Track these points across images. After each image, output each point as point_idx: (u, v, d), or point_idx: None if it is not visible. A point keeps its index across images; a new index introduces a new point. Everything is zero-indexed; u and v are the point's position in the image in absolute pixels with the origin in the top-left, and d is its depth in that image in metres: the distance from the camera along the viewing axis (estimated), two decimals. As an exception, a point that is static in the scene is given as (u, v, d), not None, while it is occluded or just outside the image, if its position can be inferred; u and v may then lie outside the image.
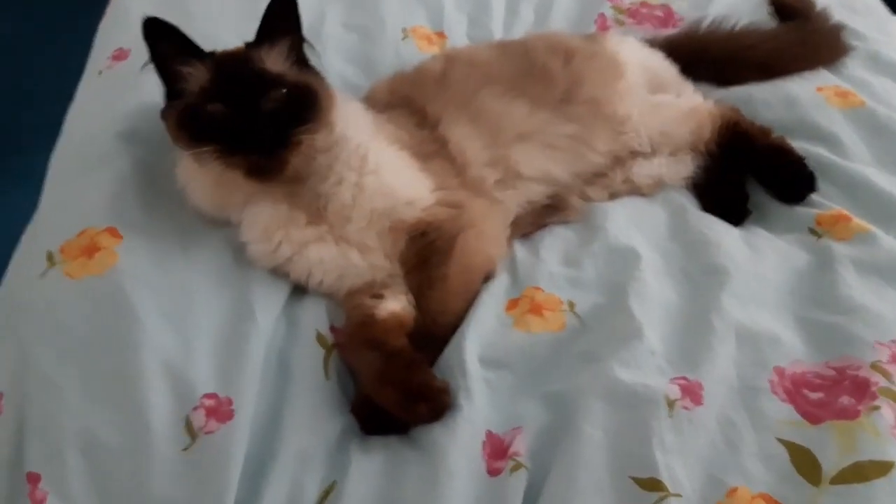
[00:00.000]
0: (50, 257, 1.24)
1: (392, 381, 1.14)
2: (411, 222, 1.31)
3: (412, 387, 1.14)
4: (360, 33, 1.82)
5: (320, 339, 1.23)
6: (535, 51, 1.57)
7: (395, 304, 1.27)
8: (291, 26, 1.31)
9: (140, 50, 1.60)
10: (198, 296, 1.22)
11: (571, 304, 1.29)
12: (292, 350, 1.21)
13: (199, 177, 1.28)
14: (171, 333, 1.16)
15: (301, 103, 1.26)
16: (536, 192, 1.46)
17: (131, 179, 1.35)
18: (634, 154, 1.54)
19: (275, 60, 1.28)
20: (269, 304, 1.24)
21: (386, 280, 1.31)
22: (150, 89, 1.52)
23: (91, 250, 1.23)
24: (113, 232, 1.26)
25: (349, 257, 1.29)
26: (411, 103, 1.47)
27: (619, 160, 1.53)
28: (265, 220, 1.28)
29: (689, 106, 1.60)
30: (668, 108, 1.58)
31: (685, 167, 1.56)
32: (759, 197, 1.54)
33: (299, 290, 1.30)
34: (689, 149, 1.56)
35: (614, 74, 1.56)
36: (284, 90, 1.25)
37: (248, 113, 1.22)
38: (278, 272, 1.30)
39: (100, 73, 1.62)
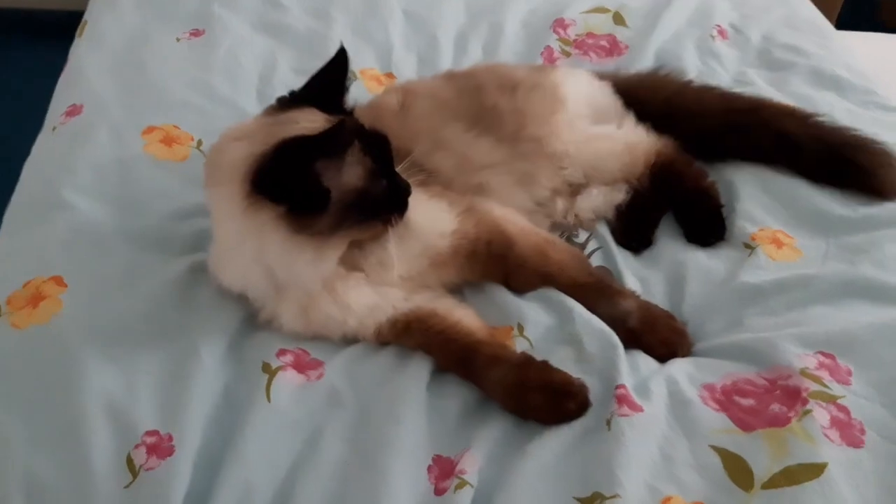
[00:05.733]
0: (-3, 309, 1.28)
1: (533, 387, 1.20)
2: (449, 252, 1.36)
3: (556, 386, 1.20)
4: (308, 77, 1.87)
5: (265, 367, 1.24)
6: (486, 91, 1.61)
7: (472, 319, 1.33)
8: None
9: (93, 104, 1.68)
10: (142, 338, 1.25)
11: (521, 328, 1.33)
12: (238, 384, 1.23)
13: (308, 256, 1.24)
14: (115, 375, 1.19)
15: None
16: None
17: (79, 231, 1.39)
18: (573, 186, 1.58)
19: None
20: (213, 343, 1.26)
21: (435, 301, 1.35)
22: (100, 144, 1.59)
23: (36, 300, 1.27)
24: (58, 281, 1.30)
25: (387, 296, 1.32)
26: None
27: (558, 192, 1.57)
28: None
29: (625, 141, 1.63)
30: (603, 141, 1.61)
31: (619, 195, 1.60)
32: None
33: (248, 327, 1.33)
34: (621, 181, 1.61)
35: (553, 107, 1.60)
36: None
37: (396, 176, 1.28)
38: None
39: (54, 129, 1.67)
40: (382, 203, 1.25)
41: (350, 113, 1.31)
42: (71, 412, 1.14)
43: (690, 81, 1.79)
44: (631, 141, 1.64)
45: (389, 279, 1.33)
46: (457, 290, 1.42)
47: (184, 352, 1.24)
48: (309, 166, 1.17)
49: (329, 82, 1.32)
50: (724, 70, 2.00)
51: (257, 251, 1.22)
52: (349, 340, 1.33)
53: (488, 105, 1.58)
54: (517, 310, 1.35)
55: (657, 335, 1.33)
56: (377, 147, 1.26)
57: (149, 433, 1.13)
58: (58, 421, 1.14)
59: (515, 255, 1.39)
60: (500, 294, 1.39)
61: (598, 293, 1.37)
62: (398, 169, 1.31)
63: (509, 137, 1.55)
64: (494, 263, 1.40)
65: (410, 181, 1.34)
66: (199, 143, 1.64)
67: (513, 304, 1.36)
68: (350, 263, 1.31)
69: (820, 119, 1.64)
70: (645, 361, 1.30)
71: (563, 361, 1.26)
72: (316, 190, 1.18)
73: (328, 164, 1.18)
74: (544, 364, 1.23)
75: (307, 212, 1.19)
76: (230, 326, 1.30)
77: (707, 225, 1.56)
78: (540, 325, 1.33)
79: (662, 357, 1.32)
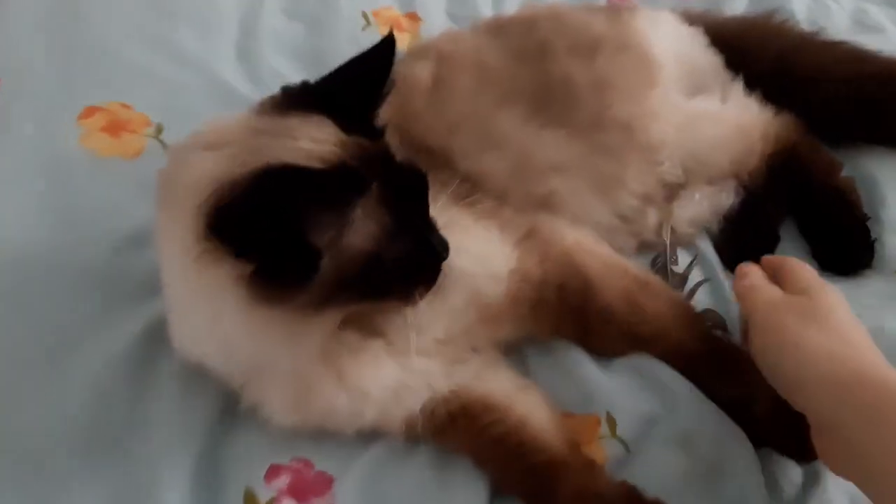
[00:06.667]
0: None
1: None
2: (506, 301, 0.97)
3: None
4: (307, 23, 1.44)
5: (248, 498, 0.88)
6: (553, 54, 1.16)
7: (543, 415, 0.94)
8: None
9: (12, 75, 1.24)
10: (75, 467, 0.87)
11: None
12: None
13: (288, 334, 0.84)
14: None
15: None
16: None
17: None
18: (668, 189, 1.17)
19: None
20: (175, 468, 0.88)
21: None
22: (21, 135, 1.16)
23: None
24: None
25: (419, 372, 0.94)
26: (400, 134, 1.00)
27: (651, 199, 1.15)
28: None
29: (737, 122, 1.21)
30: (709, 125, 1.19)
31: (727, 198, 1.20)
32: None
33: (228, 421, 0.94)
34: (728, 177, 1.20)
35: (647, 79, 1.17)
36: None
37: (430, 232, 0.86)
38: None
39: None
40: (400, 272, 0.83)
41: (380, 134, 0.87)
42: None
43: (813, 34, 1.34)
44: (744, 121, 1.22)
45: (422, 347, 0.94)
46: (515, 348, 1.03)
47: (136, 486, 0.86)
48: (296, 215, 0.75)
49: (360, 83, 0.87)
50: (840, 6, 1.59)
51: (211, 318, 0.81)
52: (367, 433, 0.95)
53: (557, 77, 1.14)
54: (603, 390, 0.98)
55: (793, 431, 0.93)
56: (406, 192, 0.84)
57: None
58: None
59: (597, 306, 0.99)
60: (577, 362, 1.00)
61: (710, 365, 0.98)
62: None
63: (587, 124, 1.12)
64: (569, 317, 1.00)
65: (452, 201, 0.94)
66: (159, 128, 1.21)
67: (596, 381, 0.99)
68: (365, 326, 0.91)
69: None
70: (783, 469, 0.93)
71: (675, 477, 0.90)
72: (301, 252, 0.77)
73: (325, 217, 0.77)
74: None
75: (284, 280, 0.78)
76: (201, 427, 0.92)
77: (846, 245, 1.17)
78: (637, 417, 0.96)
79: (797, 458, 0.95)
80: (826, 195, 1.19)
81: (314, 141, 0.81)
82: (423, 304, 0.89)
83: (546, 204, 1.08)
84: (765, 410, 0.94)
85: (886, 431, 0.73)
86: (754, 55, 1.30)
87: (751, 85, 1.26)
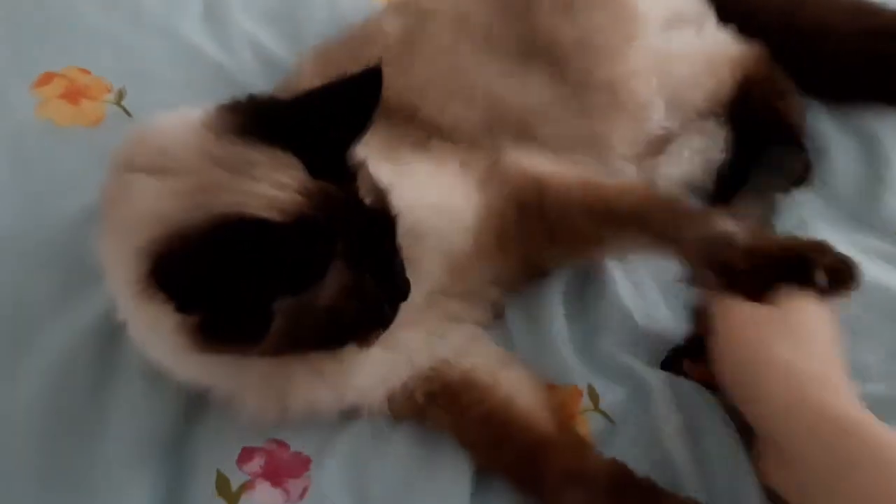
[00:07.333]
0: None
1: None
2: (473, 243, 0.92)
3: None
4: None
5: (221, 483, 0.84)
6: (538, 10, 1.09)
7: (527, 391, 0.90)
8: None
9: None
10: (35, 449, 0.83)
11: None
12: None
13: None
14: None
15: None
16: None
17: None
18: (655, 144, 1.11)
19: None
20: (141, 455, 0.84)
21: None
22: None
23: None
24: None
25: (401, 348, 0.90)
26: None
27: (637, 159, 1.10)
28: None
29: (707, 55, 1.15)
30: (682, 62, 1.13)
31: (719, 152, 1.14)
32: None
33: (200, 405, 0.90)
34: (706, 117, 1.15)
35: (626, 33, 1.10)
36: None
37: (393, 279, 0.80)
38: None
39: None
40: (358, 322, 0.78)
41: (352, 176, 0.78)
42: None
43: None
44: (711, 56, 1.16)
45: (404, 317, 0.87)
46: (497, 320, 0.99)
47: (100, 475, 0.82)
48: (252, 278, 0.68)
49: (336, 120, 0.76)
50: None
51: (154, 344, 0.80)
52: (346, 411, 0.90)
53: (543, 38, 1.07)
54: (585, 364, 0.95)
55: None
56: (372, 244, 0.77)
57: None
58: None
59: (552, 196, 0.93)
60: (560, 333, 0.97)
61: (679, 215, 0.92)
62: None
63: (576, 87, 1.06)
64: (530, 222, 0.93)
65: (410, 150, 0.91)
66: (120, 94, 1.14)
67: (578, 354, 0.96)
68: None
69: None
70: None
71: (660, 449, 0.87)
72: (252, 314, 0.71)
73: (285, 280, 0.72)
74: (647, 486, 0.82)
75: (230, 337, 0.73)
76: (169, 411, 0.88)
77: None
78: (619, 391, 0.93)
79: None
80: (768, 114, 1.15)
81: (276, 186, 0.72)
82: None
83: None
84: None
85: (842, 468, 0.71)
86: (757, 6, 1.24)
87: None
